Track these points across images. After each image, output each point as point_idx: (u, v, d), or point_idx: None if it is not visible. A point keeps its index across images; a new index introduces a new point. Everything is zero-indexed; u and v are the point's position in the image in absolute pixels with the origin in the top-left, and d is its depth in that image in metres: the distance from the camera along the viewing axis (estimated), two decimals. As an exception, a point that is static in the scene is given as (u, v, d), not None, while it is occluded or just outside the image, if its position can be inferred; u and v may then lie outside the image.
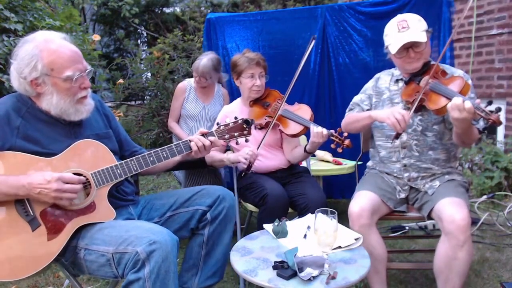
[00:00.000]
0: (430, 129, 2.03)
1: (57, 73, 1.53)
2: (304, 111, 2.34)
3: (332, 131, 2.16)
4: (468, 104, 1.67)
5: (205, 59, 2.95)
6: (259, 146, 2.28)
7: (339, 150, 2.15)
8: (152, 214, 1.81)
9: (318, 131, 2.13)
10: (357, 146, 2.44)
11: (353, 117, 2.18)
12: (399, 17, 2.01)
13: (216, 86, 3.19)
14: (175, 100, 3.17)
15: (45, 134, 1.58)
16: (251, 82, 2.37)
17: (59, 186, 1.45)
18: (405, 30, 1.95)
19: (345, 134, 2.16)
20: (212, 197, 1.79)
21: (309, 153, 2.32)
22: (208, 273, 1.81)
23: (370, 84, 2.23)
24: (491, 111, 1.65)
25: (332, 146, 2.16)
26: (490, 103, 1.67)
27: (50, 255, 1.50)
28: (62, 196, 1.47)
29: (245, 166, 2.22)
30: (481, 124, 1.69)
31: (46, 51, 1.52)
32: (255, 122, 2.32)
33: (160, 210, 1.81)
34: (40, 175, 1.47)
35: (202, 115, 3.12)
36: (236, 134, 1.81)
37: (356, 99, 2.26)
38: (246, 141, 1.84)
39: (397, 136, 1.93)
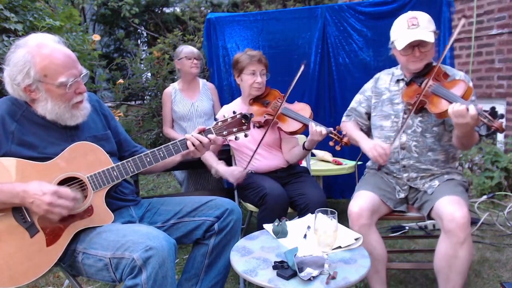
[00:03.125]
0: (430, 130, 2.02)
1: (50, 80, 1.50)
2: (303, 109, 2.34)
3: (331, 129, 2.17)
4: (472, 111, 1.67)
5: (188, 46, 3.17)
6: (257, 148, 2.28)
7: (338, 148, 2.16)
8: (155, 218, 1.79)
9: (317, 129, 2.14)
10: (357, 146, 2.44)
11: (349, 131, 2.22)
12: (410, 13, 1.99)
13: (200, 81, 3.23)
14: (164, 106, 3.22)
15: (41, 138, 1.56)
16: (252, 79, 2.37)
17: (53, 200, 1.42)
18: (414, 27, 1.94)
19: (344, 132, 2.17)
20: (220, 209, 1.77)
21: (308, 150, 2.33)
22: (209, 285, 1.80)
23: (369, 84, 2.23)
24: (494, 118, 1.65)
25: (331, 143, 2.17)
26: (493, 109, 1.67)
27: (50, 261, 1.49)
28: (53, 211, 1.44)
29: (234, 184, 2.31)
30: (483, 130, 1.69)
31: (38, 57, 1.48)
32: (254, 120, 2.32)
33: (164, 216, 1.79)
34: (38, 185, 1.44)
35: (192, 113, 3.14)
36: (234, 129, 1.76)
37: (354, 102, 2.27)
38: (246, 136, 1.80)
39: (379, 168, 1.99)
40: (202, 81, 3.25)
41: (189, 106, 3.13)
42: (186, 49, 3.11)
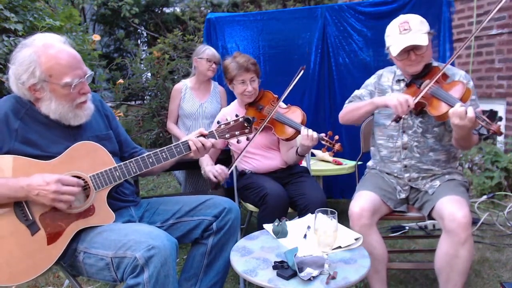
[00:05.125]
0: (431, 131, 2.02)
1: (55, 80, 1.51)
2: (295, 113, 2.33)
3: (323, 134, 2.15)
4: (470, 114, 1.67)
5: (212, 48, 3.10)
6: (242, 150, 2.27)
7: (330, 154, 2.13)
8: (154, 218, 1.79)
9: (308, 135, 2.13)
10: (357, 146, 2.44)
11: (353, 106, 2.16)
12: (401, 18, 1.98)
13: (212, 83, 3.22)
14: (172, 102, 3.20)
15: (44, 136, 1.57)
16: (243, 88, 2.37)
17: (58, 188, 1.44)
18: (406, 32, 1.93)
19: (336, 137, 2.14)
20: (218, 208, 1.77)
21: (302, 156, 2.32)
22: (208, 284, 1.80)
23: (372, 80, 2.22)
24: (492, 121, 1.65)
25: (323, 150, 2.15)
26: (491, 111, 1.68)
27: (50, 260, 1.49)
28: (61, 198, 1.45)
29: (215, 182, 2.24)
30: (482, 132, 1.68)
31: (44, 57, 1.49)
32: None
33: (163, 215, 1.79)
34: (40, 176, 1.45)
35: (199, 113, 3.14)
36: (237, 132, 1.77)
37: (357, 92, 2.25)
38: (248, 139, 1.81)
39: (397, 119, 1.93)
40: (214, 83, 3.24)
41: (197, 106, 3.13)
42: (209, 51, 3.06)
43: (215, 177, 2.21)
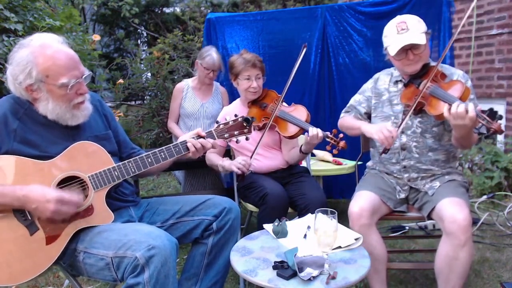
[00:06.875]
0: (430, 131, 2.02)
1: (52, 80, 1.51)
2: (300, 112, 2.33)
3: (328, 132, 2.15)
4: (471, 113, 1.67)
5: (214, 54, 3.01)
6: (254, 150, 2.27)
7: (335, 151, 2.14)
8: (154, 218, 1.79)
9: (313, 133, 2.13)
10: (357, 146, 2.44)
11: (347, 123, 2.21)
12: (398, 18, 1.99)
13: (214, 84, 3.21)
14: (173, 101, 3.20)
15: (42, 136, 1.57)
16: (248, 84, 2.37)
17: (57, 208, 1.43)
18: (404, 31, 1.94)
19: (341, 135, 2.15)
20: (218, 208, 1.77)
21: (305, 154, 2.32)
22: (208, 284, 1.80)
23: (369, 85, 2.23)
24: (493, 119, 1.65)
25: (328, 147, 2.16)
26: (491, 110, 1.67)
27: (49, 259, 1.49)
28: (58, 216, 1.46)
29: (240, 174, 2.23)
30: (483, 131, 1.68)
31: (41, 57, 1.49)
32: (253, 124, 2.31)
33: (163, 215, 1.79)
34: (40, 190, 1.44)
35: (200, 113, 3.14)
36: (236, 132, 1.77)
37: (353, 100, 2.26)
38: (247, 139, 1.81)
39: (385, 151, 1.97)
40: (216, 84, 3.22)
41: (199, 106, 3.13)
42: (209, 60, 2.98)
43: (238, 169, 2.21)
